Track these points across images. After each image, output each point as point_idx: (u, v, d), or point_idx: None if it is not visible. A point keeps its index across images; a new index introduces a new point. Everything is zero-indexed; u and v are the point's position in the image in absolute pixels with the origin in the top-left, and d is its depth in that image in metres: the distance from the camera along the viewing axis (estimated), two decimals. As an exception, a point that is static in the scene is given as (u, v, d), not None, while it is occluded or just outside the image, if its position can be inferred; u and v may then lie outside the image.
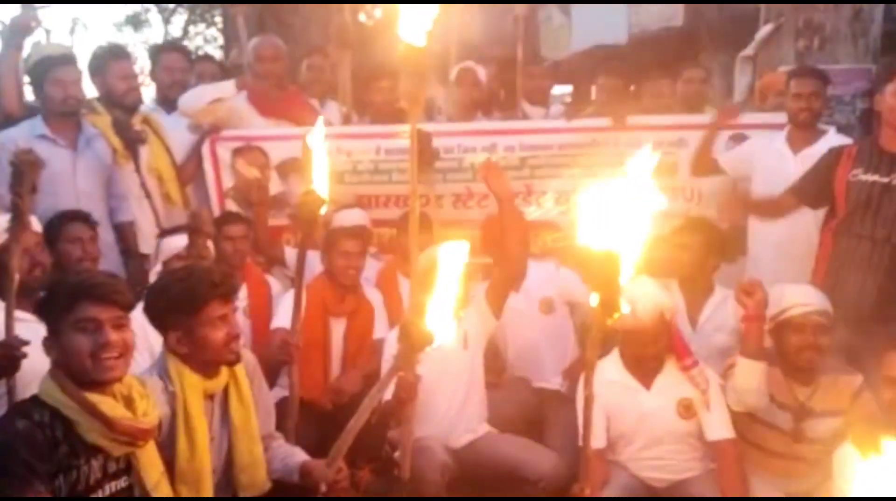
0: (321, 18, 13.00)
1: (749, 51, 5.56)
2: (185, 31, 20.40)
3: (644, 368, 3.11)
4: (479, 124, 4.68)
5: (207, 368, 2.50)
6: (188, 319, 2.45)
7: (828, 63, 5.09)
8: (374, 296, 4.02)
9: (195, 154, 4.47)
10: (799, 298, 2.99)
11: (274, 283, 4.18)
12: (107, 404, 2.12)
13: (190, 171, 4.45)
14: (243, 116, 4.59)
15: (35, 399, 2.13)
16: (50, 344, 2.16)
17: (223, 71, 5.18)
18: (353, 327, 3.89)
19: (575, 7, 10.24)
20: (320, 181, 2.75)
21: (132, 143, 3.95)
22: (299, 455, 2.72)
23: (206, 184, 4.49)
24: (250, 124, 4.59)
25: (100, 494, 2.14)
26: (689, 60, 5.73)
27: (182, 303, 2.45)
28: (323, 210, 2.80)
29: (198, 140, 4.47)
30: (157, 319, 2.52)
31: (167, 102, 4.59)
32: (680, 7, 8.40)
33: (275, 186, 4.49)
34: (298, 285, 3.04)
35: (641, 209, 1.91)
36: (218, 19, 18.33)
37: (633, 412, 3.11)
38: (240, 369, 2.59)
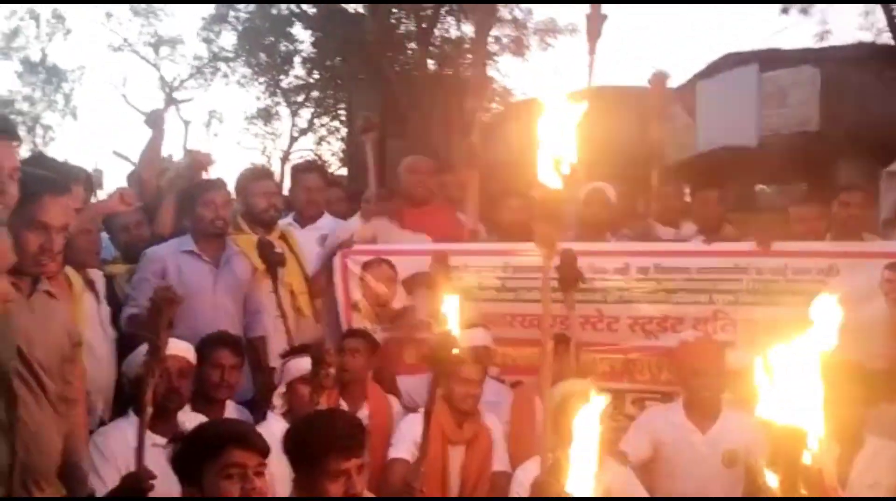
0: (440, 114, 13.42)
1: (896, 166, 5.25)
2: (311, 124, 21.49)
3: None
4: (613, 244, 4.53)
5: None
6: (305, 467, 2.43)
7: None
8: (493, 423, 3.90)
9: (325, 267, 4.54)
10: None
11: (394, 402, 4.13)
12: None
13: (320, 283, 4.53)
14: (384, 227, 4.69)
15: None
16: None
17: (349, 197, 5.36)
18: (471, 456, 3.77)
19: (701, 108, 10.11)
20: (454, 322, 2.68)
21: (273, 265, 4.07)
22: None
23: (336, 296, 4.53)
24: (390, 237, 4.66)
25: None
26: (826, 168, 5.44)
27: (298, 451, 2.44)
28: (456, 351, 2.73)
29: (327, 254, 4.54)
30: (289, 461, 2.50)
31: (302, 217, 4.76)
32: (815, 112, 8.13)
33: (401, 300, 4.49)
34: (427, 425, 2.93)
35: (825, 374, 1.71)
36: (342, 112, 19.24)
37: None
38: None
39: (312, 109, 21.04)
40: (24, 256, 2.34)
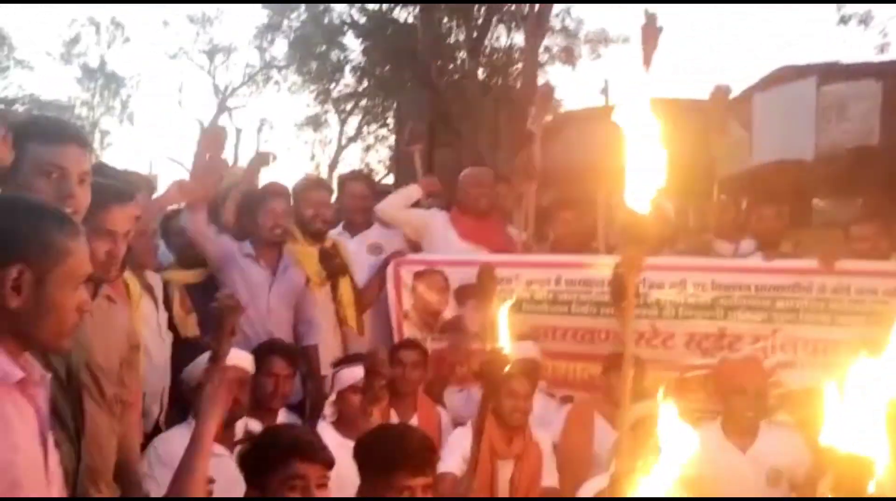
0: (489, 123, 13.34)
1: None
2: (359, 131, 21.68)
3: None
4: (671, 259, 4.44)
5: None
6: (372, 478, 2.47)
7: None
8: (542, 438, 3.86)
9: (378, 277, 4.54)
10: None
11: (444, 415, 4.11)
12: None
13: (372, 294, 4.53)
14: (439, 233, 4.68)
15: None
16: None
17: None
18: (520, 471, 3.74)
19: (757, 121, 9.91)
20: (505, 337, 2.65)
21: (335, 274, 4.09)
22: None
23: (387, 306, 4.52)
24: (446, 245, 4.66)
25: None
26: (886, 183, 5.28)
27: (368, 462, 2.48)
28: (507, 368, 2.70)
29: (381, 264, 4.55)
30: (358, 470, 2.55)
31: (351, 226, 4.76)
32: (876, 126, 7.90)
33: (452, 311, 4.47)
34: (476, 441, 2.89)
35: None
36: (390, 120, 19.36)
37: None
38: None
39: (361, 117, 21.23)
40: (94, 263, 2.37)
